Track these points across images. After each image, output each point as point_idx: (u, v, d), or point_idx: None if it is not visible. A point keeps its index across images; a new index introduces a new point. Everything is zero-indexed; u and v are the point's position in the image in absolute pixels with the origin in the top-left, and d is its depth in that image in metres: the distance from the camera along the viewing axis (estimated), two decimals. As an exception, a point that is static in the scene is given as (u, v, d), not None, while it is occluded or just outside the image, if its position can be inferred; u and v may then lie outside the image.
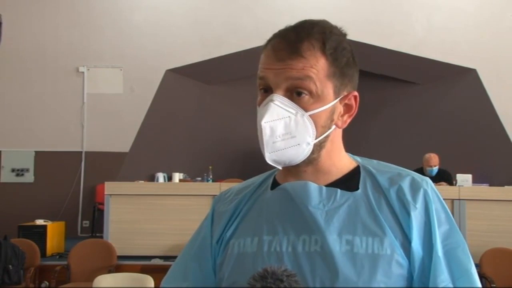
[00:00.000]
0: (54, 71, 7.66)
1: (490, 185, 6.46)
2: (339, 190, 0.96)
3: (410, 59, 7.54)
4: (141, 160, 7.51)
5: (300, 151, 0.94)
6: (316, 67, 0.93)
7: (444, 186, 5.83)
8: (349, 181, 0.98)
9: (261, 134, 0.92)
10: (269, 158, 0.94)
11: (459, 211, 5.49)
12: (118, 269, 5.05)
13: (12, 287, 4.92)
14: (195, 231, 1.08)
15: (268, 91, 0.95)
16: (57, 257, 5.76)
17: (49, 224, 6.02)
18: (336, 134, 1.00)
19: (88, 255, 5.15)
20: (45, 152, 7.59)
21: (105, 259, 5.13)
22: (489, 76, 7.47)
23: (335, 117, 0.98)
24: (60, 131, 7.61)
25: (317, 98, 0.94)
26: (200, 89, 8.30)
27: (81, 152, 7.65)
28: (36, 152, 7.64)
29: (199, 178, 7.04)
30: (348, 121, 1.00)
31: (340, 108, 0.98)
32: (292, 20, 0.98)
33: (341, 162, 1.01)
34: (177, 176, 6.63)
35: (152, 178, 7.16)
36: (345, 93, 0.98)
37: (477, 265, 4.53)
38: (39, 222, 6.08)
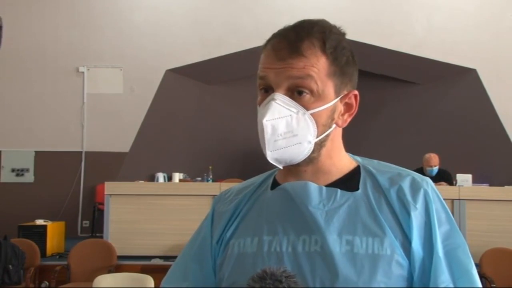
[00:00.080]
0: (54, 71, 7.66)
1: (490, 185, 6.46)
2: (339, 190, 0.96)
3: (410, 59, 7.54)
4: (141, 160, 7.51)
5: (301, 150, 0.94)
6: (317, 66, 0.93)
7: (444, 186, 5.83)
8: (349, 181, 0.98)
9: (263, 132, 0.92)
10: (270, 156, 0.93)
11: (459, 211, 5.49)
12: (118, 269, 5.05)
13: (12, 287, 4.92)
14: (195, 231, 1.08)
15: (268, 90, 0.95)
16: (57, 257, 5.76)
17: (49, 224, 6.02)
18: (336, 133, 1.00)
19: (88, 255, 5.15)
20: (45, 152, 7.59)
21: (105, 259, 5.12)
22: (489, 76, 7.47)
23: (336, 116, 0.98)
24: (60, 131, 7.61)
25: (318, 97, 0.94)
26: (200, 89, 8.30)
27: (81, 152, 7.65)
28: (36, 152, 7.64)
29: (199, 178, 7.04)
30: (349, 120, 1.00)
31: (341, 107, 0.99)
32: (292, 20, 0.99)
33: (341, 162, 1.01)
34: (177, 176, 6.63)
35: (152, 178, 7.16)
36: (345, 92, 0.98)
37: (477, 265, 4.53)
38: (39, 222, 6.07)
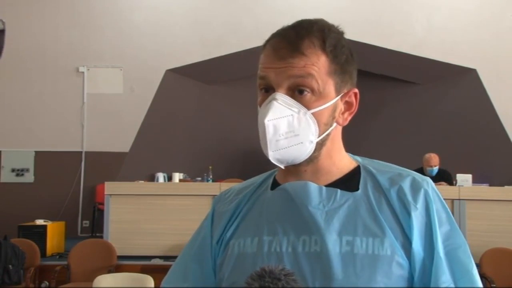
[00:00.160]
0: (54, 71, 7.66)
1: (490, 185, 6.45)
2: (339, 191, 0.96)
3: (410, 59, 7.54)
4: (141, 160, 7.51)
5: (303, 150, 0.94)
6: (317, 65, 0.93)
7: (444, 186, 5.82)
8: (349, 181, 0.98)
9: (264, 132, 0.92)
10: (272, 157, 0.93)
11: (459, 211, 5.48)
12: (118, 269, 5.04)
13: (12, 287, 4.92)
14: (195, 231, 1.08)
15: (269, 90, 0.95)
16: (57, 257, 5.76)
17: (49, 224, 6.02)
18: (336, 133, 1.00)
19: (88, 255, 5.14)
20: (45, 152, 7.59)
21: (105, 259, 5.12)
22: (489, 76, 7.47)
23: (337, 114, 0.98)
24: (60, 131, 7.60)
25: (319, 95, 0.94)
26: (200, 89, 8.30)
27: (81, 152, 7.65)
28: (36, 152, 7.64)
29: (199, 178, 7.04)
30: (349, 118, 1.00)
31: (341, 106, 0.99)
32: (292, 20, 0.99)
33: (341, 161, 1.01)
34: (177, 176, 6.63)
35: (152, 178, 7.16)
36: (346, 91, 0.98)
37: (477, 265, 4.51)
38: (39, 222, 6.07)
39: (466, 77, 7.65)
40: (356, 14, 7.40)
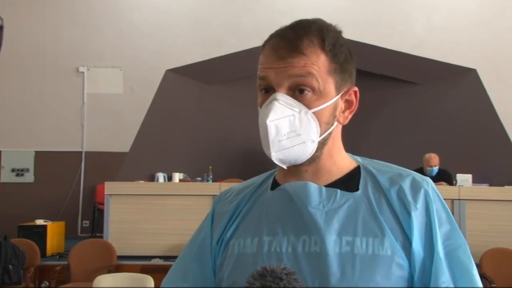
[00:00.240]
0: (54, 71, 7.66)
1: (490, 185, 6.45)
2: (339, 191, 0.96)
3: (410, 59, 7.54)
4: (141, 160, 7.51)
5: (306, 149, 0.94)
6: (317, 64, 0.93)
7: (444, 186, 5.82)
8: (349, 181, 0.98)
9: (266, 133, 0.92)
10: (275, 157, 0.93)
11: (459, 211, 5.48)
12: (118, 269, 5.05)
13: (12, 287, 4.92)
14: (195, 231, 1.08)
15: (269, 91, 0.95)
16: (57, 257, 5.76)
17: (49, 224, 6.02)
18: (337, 132, 1.00)
19: (88, 255, 5.14)
20: (45, 152, 7.59)
21: (105, 259, 5.12)
22: (489, 76, 7.47)
23: (337, 113, 0.98)
24: (60, 131, 7.60)
25: (320, 94, 0.94)
26: (200, 89, 8.30)
27: (81, 152, 7.65)
28: (36, 152, 7.64)
29: (199, 178, 7.04)
30: (349, 117, 1.01)
31: (342, 104, 0.99)
32: (292, 20, 0.99)
33: (342, 161, 1.01)
34: (177, 176, 6.63)
35: (152, 178, 7.16)
36: (346, 89, 0.98)
37: (477, 265, 4.51)
38: (39, 222, 6.07)
39: (466, 77, 7.65)
40: (356, 14, 7.40)
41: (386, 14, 7.59)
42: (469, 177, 6.14)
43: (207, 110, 8.31)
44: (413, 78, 8.35)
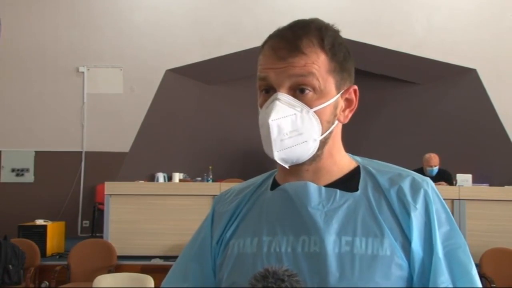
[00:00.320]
0: (54, 71, 7.66)
1: (490, 185, 6.46)
2: (338, 191, 0.96)
3: (410, 59, 7.54)
4: (141, 160, 7.51)
5: (308, 148, 0.94)
6: (318, 63, 0.94)
7: (444, 186, 5.82)
8: (349, 181, 0.98)
9: (268, 132, 0.92)
10: (278, 157, 0.93)
11: (459, 211, 5.48)
12: (118, 269, 5.05)
13: (12, 287, 4.92)
14: (195, 231, 1.08)
15: (270, 91, 0.96)
16: (57, 257, 5.76)
17: (49, 224, 6.02)
18: (337, 131, 1.01)
19: (88, 255, 5.15)
20: (45, 152, 7.59)
21: (105, 259, 5.12)
22: (489, 76, 7.48)
23: (338, 112, 0.98)
24: (60, 131, 7.60)
25: (320, 93, 0.94)
26: (200, 89, 8.30)
27: (81, 152, 7.65)
28: (36, 152, 7.64)
29: (199, 178, 7.04)
30: (350, 115, 1.01)
31: (342, 103, 0.99)
32: (292, 20, 0.99)
33: (342, 161, 1.01)
34: (177, 176, 6.63)
35: (152, 178, 7.16)
36: (345, 88, 0.99)
37: (477, 265, 4.52)
38: (39, 222, 6.07)
39: (466, 77, 7.65)
40: (356, 14, 7.40)
41: (386, 14, 7.59)
42: (469, 177, 6.14)
43: (207, 110, 8.31)
44: (413, 78, 8.35)
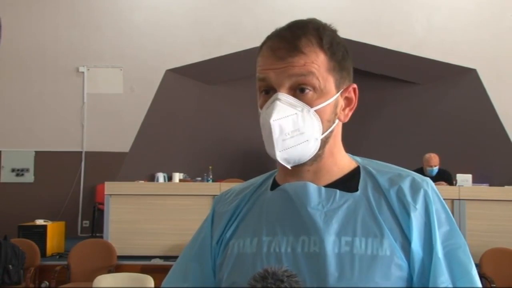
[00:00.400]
0: (54, 71, 7.66)
1: (490, 185, 6.46)
2: (338, 191, 0.96)
3: (410, 59, 7.54)
4: (141, 160, 7.51)
5: (309, 147, 0.95)
6: (317, 62, 0.94)
7: (444, 186, 5.82)
8: (349, 182, 0.98)
9: (270, 132, 0.92)
10: (280, 157, 0.93)
11: (459, 211, 5.48)
12: (118, 269, 5.05)
13: (12, 287, 4.92)
14: (196, 231, 1.08)
15: (270, 92, 0.96)
16: (57, 257, 5.76)
17: (49, 224, 6.02)
18: (338, 130, 1.01)
19: (88, 255, 5.15)
20: (45, 152, 7.59)
21: (105, 259, 5.12)
22: (489, 76, 7.48)
23: (338, 110, 0.99)
24: (60, 131, 7.61)
25: (320, 93, 0.94)
26: (200, 89, 8.30)
27: (81, 152, 7.65)
28: (36, 152, 7.64)
29: (199, 178, 7.05)
30: (350, 114, 1.01)
31: (342, 102, 0.99)
32: (292, 20, 0.99)
33: (342, 161, 1.01)
34: (177, 176, 6.63)
35: (152, 178, 7.16)
36: (345, 87, 0.99)
37: (477, 265, 4.52)
38: (39, 222, 6.07)
39: (466, 77, 7.65)
40: (356, 14, 7.40)
41: (386, 14, 7.59)
42: (469, 177, 6.14)
43: (207, 110, 8.31)
44: (413, 78, 8.36)
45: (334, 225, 0.91)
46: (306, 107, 0.93)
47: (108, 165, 7.23)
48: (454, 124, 7.86)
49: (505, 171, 7.32)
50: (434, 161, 6.12)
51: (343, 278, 0.86)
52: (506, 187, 6.13)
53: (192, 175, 7.17)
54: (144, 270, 4.87)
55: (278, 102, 0.92)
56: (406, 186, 0.95)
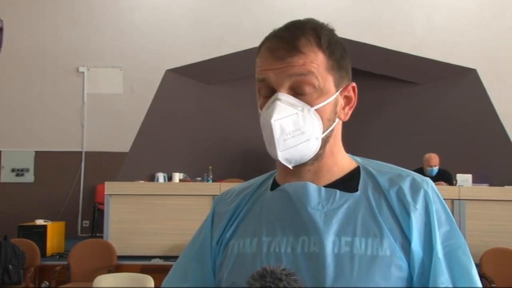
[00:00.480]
0: (54, 71, 7.66)
1: (490, 185, 6.46)
2: (338, 191, 0.96)
3: (410, 59, 7.54)
4: (141, 160, 7.51)
5: (310, 147, 0.95)
6: (316, 62, 0.94)
7: (444, 186, 5.82)
8: (349, 182, 0.98)
9: (271, 132, 0.92)
10: (281, 157, 0.93)
11: (459, 211, 5.48)
12: (118, 269, 5.05)
13: (12, 287, 4.92)
14: (196, 231, 1.08)
15: (269, 92, 0.96)
16: (57, 257, 5.76)
17: (49, 224, 6.02)
18: (338, 129, 1.01)
19: (88, 255, 5.15)
20: (45, 152, 7.59)
21: (105, 259, 5.12)
22: (489, 76, 7.48)
23: (338, 109, 0.99)
24: (60, 131, 7.61)
25: (320, 92, 0.95)
26: (200, 89, 8.30)
27: (81, 152, 7.65)
28: (36, 152, 7.64)
29: (199, 178, 7.05)
30: (349, 113, 1.01)
31: (341, 101, 1.00)
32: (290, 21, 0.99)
33: (342, 161, 1.01)
34: (177, 176, 6.63)
35: (152, 178, 7.16)
36: (344, 85, 0.99)
37: (477, 265, 4.52)
38: (39, 222, 6.08)
39: (466, 77, 7.65)
40: (356, 14, 7.40)
41: (386, 14, 7.59)
42: (469, 177, 6.14)
43: (207, 110, 8.31)
44: (413, 78, 8.36)
45: (334, 225, 0.91)
46: (307, 107, 0.94)
47: (108, 165, 7.24)
48: (454, 124, 7.86)
49: (505, 171, 7.32)
50: (434, 161, 6.12)
51: (343, 278, 0.86)
52: (506, 187, 6.13)
53: (192, 175, 7.17)
54: (144, 270, 4.87)
55: (278, 102, 0.93)
56: (406, 186, 0.95)
